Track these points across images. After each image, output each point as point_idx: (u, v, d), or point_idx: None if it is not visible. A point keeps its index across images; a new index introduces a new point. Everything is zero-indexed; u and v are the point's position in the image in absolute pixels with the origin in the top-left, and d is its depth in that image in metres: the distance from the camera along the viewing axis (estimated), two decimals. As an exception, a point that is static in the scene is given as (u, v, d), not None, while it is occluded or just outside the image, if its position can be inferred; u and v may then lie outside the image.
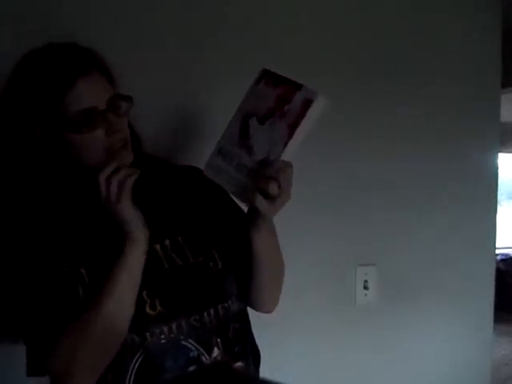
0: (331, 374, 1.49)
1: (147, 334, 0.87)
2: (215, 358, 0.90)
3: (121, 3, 1.23)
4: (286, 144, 0.81)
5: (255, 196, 0.79)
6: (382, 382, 1.57)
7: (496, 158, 1.79)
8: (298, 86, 0.83)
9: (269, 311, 1.08)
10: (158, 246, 0.93)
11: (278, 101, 0.84)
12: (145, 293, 0.88)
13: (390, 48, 1.56)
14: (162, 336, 0.87)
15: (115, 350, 0.85)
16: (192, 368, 0.87)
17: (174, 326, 0.88)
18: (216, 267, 0.96)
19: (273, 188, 0.78)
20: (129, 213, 0.85)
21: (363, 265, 1.55)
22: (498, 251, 2.31)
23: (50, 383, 0.94)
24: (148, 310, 0.88)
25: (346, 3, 1.50)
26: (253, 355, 1.01)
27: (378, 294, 1.56)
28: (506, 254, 5.47)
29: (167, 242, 0.95)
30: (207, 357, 0.89)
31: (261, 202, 0.80)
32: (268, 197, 0.79)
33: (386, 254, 1.58)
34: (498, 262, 4.38)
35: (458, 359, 1.70)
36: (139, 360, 0.87)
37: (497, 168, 1.79)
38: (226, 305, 0.94)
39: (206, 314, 0.91)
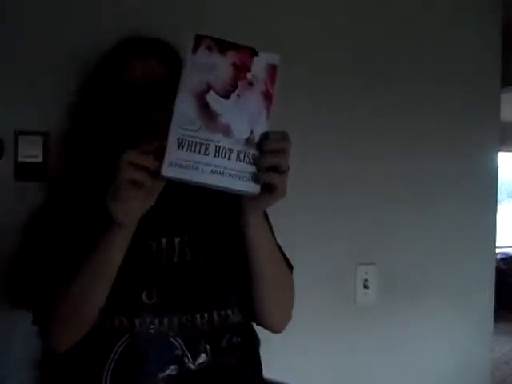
0: (331, 373, 1.50)
1: (137, 321, 0.87)
2: (201, 363, 0.88)
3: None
4: (268, 114, 0.76)
5: (270, 175, 0.74)
6: (382, 381, 1.57)
7: (496, 157, 1.79)
8: (252, 51, 0.78)
9: (276, 330, 1.00)
10: (164, 240, 0.93)
11: (236, 69, 0.76)
12: (145, 281, 0.89)
13: (390, 48, 1.56)
14: (152, 326, 0.88)
15: (89, 319, 0.86)
16: (173, 366, 0.87)
17: (165, 320, 0.88)
18: (221, 273, 0.94)
19: (285, 160, 0.75)
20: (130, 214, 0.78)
21: (363, 264, 1.55)
22: (497, 250, 2.31)
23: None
24: (144, 297, 0.88)
25: (346, 3, 1.50)
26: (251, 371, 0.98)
27: (378, 293, 1.57)
28: (506, 253, 5.48)
29: (177, 239, 0.94)
30: (191, 360, 0.88)
31: (277, 179, 0.74)
32: (281, 172, 0.75)
33: (386, 253, 1.58)
34: (498, 261, 4.39)
35: (457, 358, 1.70)
36: (124, 344, 0.87)
37: (497, 167, 1.79)
38: (223, 313, 0.92)
39: (198, 316, 0.90)
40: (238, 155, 0.75)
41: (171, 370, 0.87)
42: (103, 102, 1.06)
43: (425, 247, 1.64)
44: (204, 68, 0.75)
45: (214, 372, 0.90)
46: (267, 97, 0.76)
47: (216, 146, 0.75)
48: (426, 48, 1.62)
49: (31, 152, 1.17)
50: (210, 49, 0.76)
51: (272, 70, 0.77)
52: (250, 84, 0.76)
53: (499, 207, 1.84)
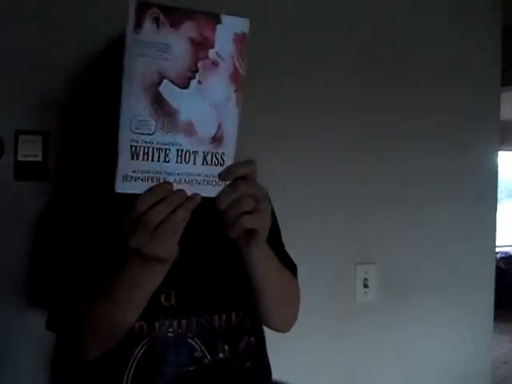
0: (331, 372, 1.50)
1: (156, 324, 0.86)
2: (218, 357, 0.88)
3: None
4: (237, 100, 0.64)
5: (243, 221, 0.68)
6: (382, 381, 1.58)
7: (496, 156, 1.79)
8: (215, 18, 0.61)
9: (281, 331, 1.01)
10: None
11: (195, 47, 0.60)
12: (163, 283, 0.84)
13: (390, 48, 1.56)
14: (170, 329, 0.87)
15: (124, 332, 0.83)
16: (192, 368, 0.86)
17: (184, 322, 0.88)
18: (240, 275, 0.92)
19: (250, 203, 0.67)
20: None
21: (363, 263, 1.55)
22: (497, 249, 2.32)
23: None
24: (162, 300, 0.87)
25: (346, 3, 1.50)
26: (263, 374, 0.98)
27: (378, 293, 1.57)
28: (506, 252, 5.48)
29: (191, 240, 0.92)
30: (210, 360, 0.88)
31: (252, 221, 0.69)
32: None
33: (386, 252, 1.58)
34: (497, 260, 4.40)
35: (457, 358, 1.70)
36: (144, 348, 0.86)
37: (497, 166, 1.79)
38: (240, 314, 0.92)
39: (217, 317, 0.89)
40: (204, 158, 0.64)
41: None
42: (106, 95, 0.99)
43: (425, 247, 1.64)
44: (153, 50, 0.58)
45: (215, 372, 0.89)
46: (236, 78, 0.63)
47: (178, 151, 0.62)
48: (426, 48, 1.62)
49: (31, 151, 1.17)
50: (157, 22, 0.58)
51: (240, 40, 0.62)
52: (214, 64, 0.62)
53: (499, 206, 1.84)
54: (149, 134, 0.61)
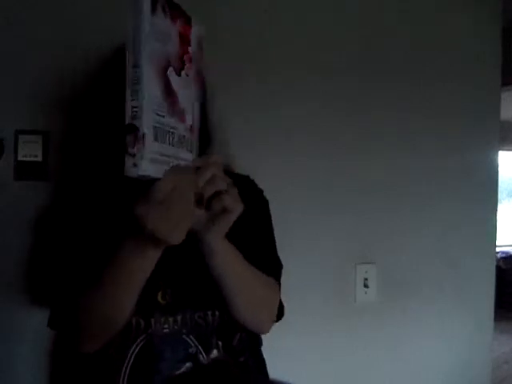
0: (331, 372, 1.50)
1: (152, 321, 0.87)
2: (214, 357, 0.89)
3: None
4: (202, 95, 0.70)
5: (219, 200, 0.70)
6: (382, 380, 1.57)
7: (496, 156, 1.79)
8: (188, 20, 0.65)
9: (259, 332, 1.00)
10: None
11: (182, 41, 0.64)
12: (161, 280, 0.87)
13: (390, 48, 1.56)
14: (166, 326, 0.88)
15: (122, 324, 0.83)
16: (188, 364, 0.87)
17: (179, 318, 0.88)
18: None
19: (222, 182, 0.70)
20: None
21: (363, 263, 1.55)
22: (498, 249, 2.32)
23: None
24: (159, 297, 0.88)
25: (346, 3, 1.50)
26: (258, 370, 0.98)
27: (378, 293, 1.57)
28: (507, 252, 5.48)
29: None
30: (205, 356, 0.89)
31: (226, 200, 0.71)
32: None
33: (386, 252, 1.58)
34: (498, 260, 4.40)
35: (458, 358, 1.70)
36: (140, 344, 0.87)
37: (497, 166, 1.79)
38: None
39: (210, 313, 0.90)
40: (187, 144, 0.67)
41: (186, 367, 0.87)
42: (110, 92, 0.94)
43: (425, 247, 1.64)
44: (163, 36, 0.60)
45: (214, 372, 0.90)
46: (200, 75, 0.68)
47: (178, 135, 0.64)
48: (426, 48, 1.62)
49: (31, 151, 1.17)
50: (164, 12, 0.59)
51: (201, 44, 0.68)
52: (191, 61, 0.65)
53: (499, 206, 1.84)
54: (163, 117, 0.61)
